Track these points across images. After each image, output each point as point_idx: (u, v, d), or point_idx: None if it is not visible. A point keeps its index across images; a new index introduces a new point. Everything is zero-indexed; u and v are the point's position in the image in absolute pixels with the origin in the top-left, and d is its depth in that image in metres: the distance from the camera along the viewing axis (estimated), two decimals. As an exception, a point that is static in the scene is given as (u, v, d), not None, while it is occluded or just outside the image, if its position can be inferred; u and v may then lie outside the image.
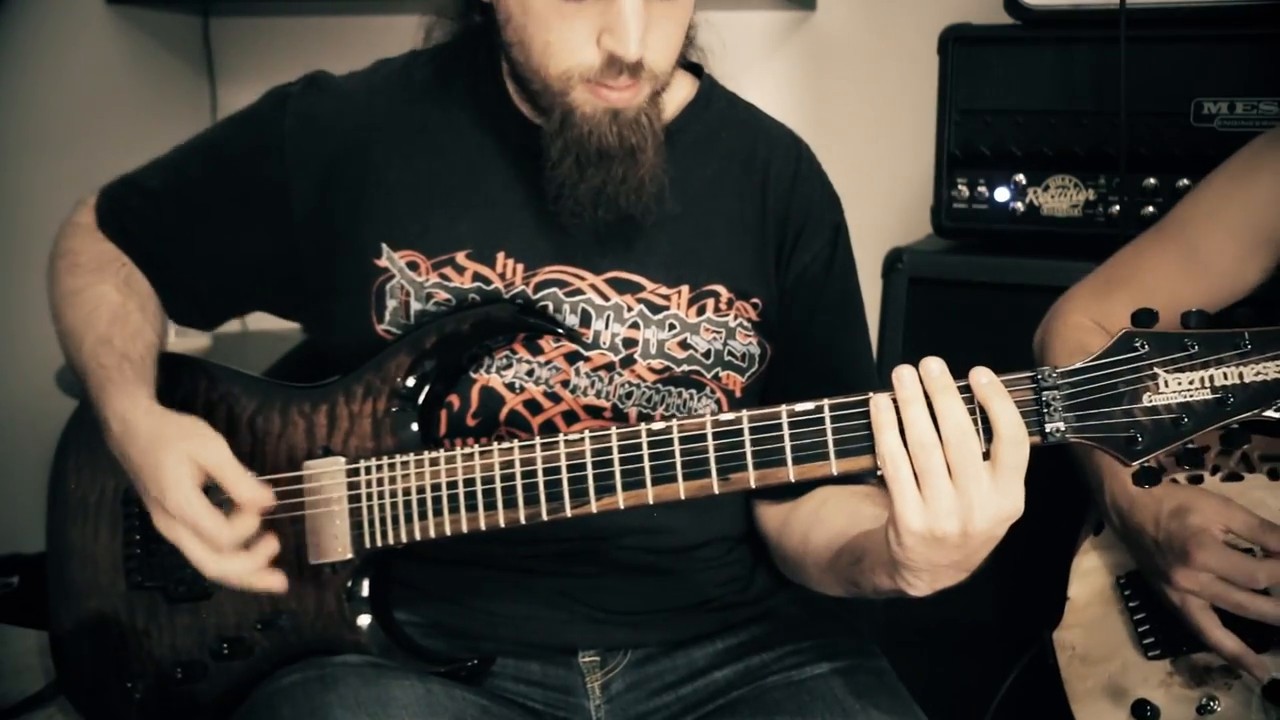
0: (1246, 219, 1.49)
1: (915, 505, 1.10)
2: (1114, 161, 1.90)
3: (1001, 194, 1.99)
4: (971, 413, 1.10)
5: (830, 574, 1.36)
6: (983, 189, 2.00)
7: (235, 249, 1.46)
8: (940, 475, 1.09)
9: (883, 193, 2.38)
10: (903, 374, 1.11)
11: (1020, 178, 1.98)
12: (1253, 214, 1.49)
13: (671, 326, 1.40)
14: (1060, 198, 1.96)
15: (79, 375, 1.42)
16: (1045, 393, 1.12)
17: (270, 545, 1.30)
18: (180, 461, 1.26)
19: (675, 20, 1.31)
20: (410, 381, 1.36)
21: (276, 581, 1.30)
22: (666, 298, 1.40)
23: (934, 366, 1.11)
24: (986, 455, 1.10)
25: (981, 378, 1.11)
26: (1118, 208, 1.91)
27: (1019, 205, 1.98)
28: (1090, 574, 1.55)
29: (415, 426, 1.36)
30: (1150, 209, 1.89)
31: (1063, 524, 1.59)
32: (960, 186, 2.01)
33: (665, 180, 1.36)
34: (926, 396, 1.10)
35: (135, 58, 2.78)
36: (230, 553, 1.27)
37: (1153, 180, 1.89)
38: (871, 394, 1.14)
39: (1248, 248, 1.49)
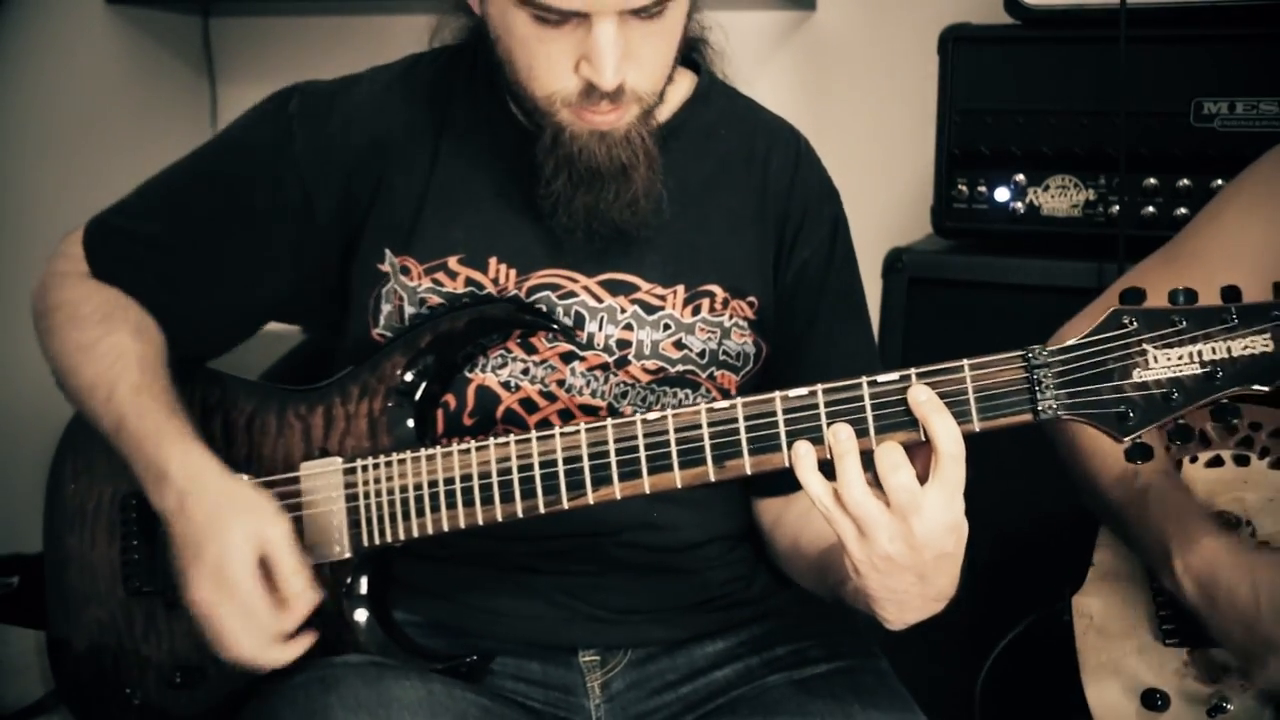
0: (1268, 258, 1.43)
1: (854, 538, 1.14)
2: (1114, 161, 1.90)
3: (1001, 194, 1.99)
4: (913, 424, 1.14)
5: (819, 586, 1.38)
6: (983, 189, 2.00)
7: (255, 281, 1.43)
8: (875, 516, 1.12)
9: (883, 193, 2.38)
10: (837, 431, 1.15)
11: (1020, 178, 1.98)
12: (1274, 253, 1.43)
13: (666, 327, 1.40)
14: (1060, 198, 1.96)
15: (108, 427, 1.36)
16: (1036, 371, 1.14)
17: (308, 641, 1.30)
18: (247, 538, 1.26)
19: (660, 40, 1.28)
20: (408, 376, 1.36)
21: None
22: (662, 298, 1.40)
23: (841, 433, 1.14)
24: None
25: (920, 395, 1.14)
26: (1118, 208, 1.91)
27: (1019, 205, 1.98)
28: (1116, 543, 1.52)
29: (411, 423, 1.36)
30: (1150, 209, 1.89)
31: (1066, 524, 1.59)
32: (960, 186, 2.01)
33: (661, 192, 1.35)
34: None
35: (135, 58, 2.78)
36: (275, 642, 1.28)
37: (1153, 180, 1.89)
38: (795, 443, 1.16)
39: (1268, 282, 1.45)
